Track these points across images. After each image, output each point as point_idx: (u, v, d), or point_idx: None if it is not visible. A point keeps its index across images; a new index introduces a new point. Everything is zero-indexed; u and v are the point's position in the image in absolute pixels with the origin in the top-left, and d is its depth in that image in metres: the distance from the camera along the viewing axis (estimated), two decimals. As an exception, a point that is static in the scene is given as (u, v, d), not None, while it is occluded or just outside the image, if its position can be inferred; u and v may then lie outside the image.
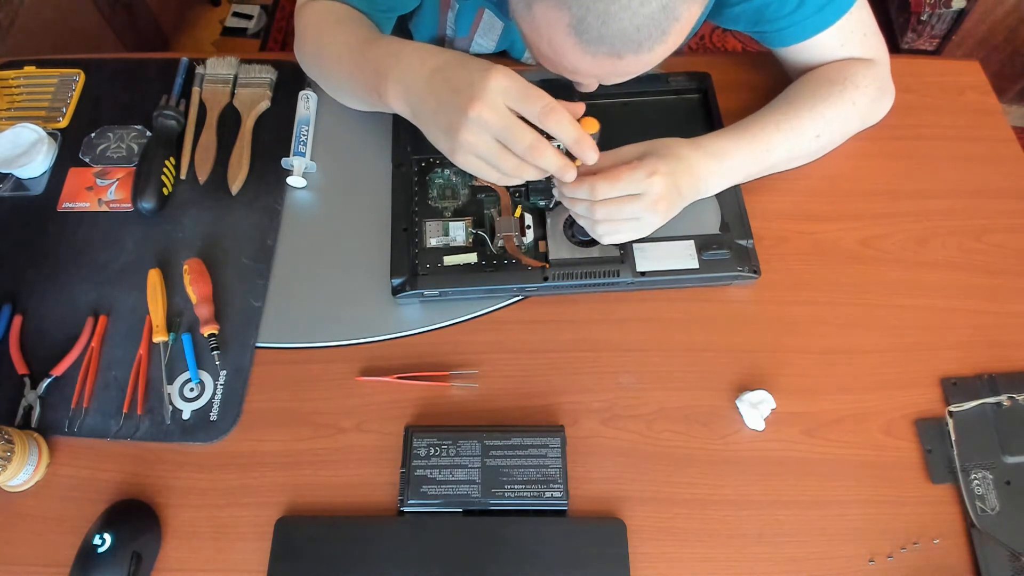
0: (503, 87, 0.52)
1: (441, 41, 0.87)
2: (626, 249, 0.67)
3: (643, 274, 0.67)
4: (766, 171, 0.70)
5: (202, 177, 0.75)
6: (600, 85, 0.61)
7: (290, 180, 0.74)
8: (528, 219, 0.69)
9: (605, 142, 0.74)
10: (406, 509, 0.59)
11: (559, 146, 0.56)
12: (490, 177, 0.57)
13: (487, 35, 0.81)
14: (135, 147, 0.76)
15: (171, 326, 0.67)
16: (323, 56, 0.70)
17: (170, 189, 0.74)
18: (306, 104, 0.78)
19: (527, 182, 0.70)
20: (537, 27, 0.51)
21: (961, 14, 1.53)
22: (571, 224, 0.68)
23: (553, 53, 0.53)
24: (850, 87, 0.71)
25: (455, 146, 0.55)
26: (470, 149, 0.55)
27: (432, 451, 0.60)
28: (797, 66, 0.76)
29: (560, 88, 0.76)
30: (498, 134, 0.53)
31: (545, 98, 0.53)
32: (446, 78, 0.55)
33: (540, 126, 0.53)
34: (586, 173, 0.59)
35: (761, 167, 0.69)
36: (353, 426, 0.63)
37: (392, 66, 0.60)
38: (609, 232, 0.62)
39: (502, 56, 0.84)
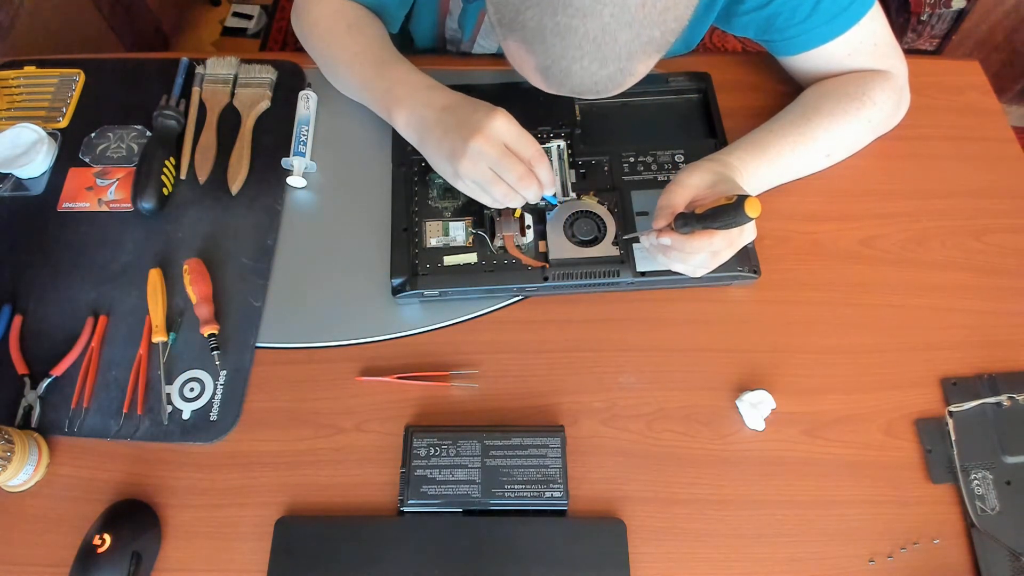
0: (503, 127, 0.60)
1: (442, 42, 0.87)
2: (626, 249, 0.67)
3: (643, 274, 0.67)
4: (772, 186, 0.72)
5: (202, 177, 0.75)
6: None
7: (290, 180, 0.74)
8: (528, 219, 0.69)
9: (605, 142, 0.74)
10: (406, 509, 0.59)
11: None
12: (483, 201, 0.64)
13: (489, 36, 0.81)
14: (135, 147, 0.76)
15: (171, 326, 0.67)
16: (335, 61, 0.75)
17: (170, 189, 0.74)
18: (306, 104, 0.78)
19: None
20: (511, 56, 0.55)
21: (961, 14, 1.52)
22: (571, 224, 0.68)
23: (528, 78, 0.56)
24: (867, 104, 0.71)
25: (455, 170, 0.62)
26: (467, 175, 0.62)
27: (432, 451, 0.60)
28: (804, 74, 0.76)
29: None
30: (493, 164, 0.61)
31: (536, 147, 0.62)
32: (454, 114, 0.63)
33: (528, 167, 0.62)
34: (663, 205, 0.61)
35: (770, 185, 0.71)
36: (353, 426, 0.63)
37: (406, 95, 0.67)
38: (701, 269, 0.63)
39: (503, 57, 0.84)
